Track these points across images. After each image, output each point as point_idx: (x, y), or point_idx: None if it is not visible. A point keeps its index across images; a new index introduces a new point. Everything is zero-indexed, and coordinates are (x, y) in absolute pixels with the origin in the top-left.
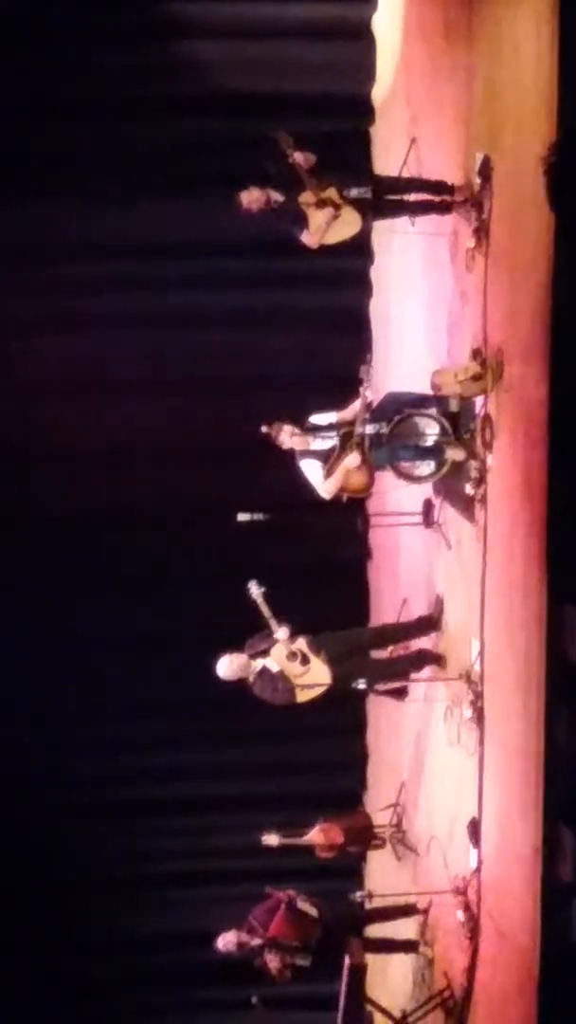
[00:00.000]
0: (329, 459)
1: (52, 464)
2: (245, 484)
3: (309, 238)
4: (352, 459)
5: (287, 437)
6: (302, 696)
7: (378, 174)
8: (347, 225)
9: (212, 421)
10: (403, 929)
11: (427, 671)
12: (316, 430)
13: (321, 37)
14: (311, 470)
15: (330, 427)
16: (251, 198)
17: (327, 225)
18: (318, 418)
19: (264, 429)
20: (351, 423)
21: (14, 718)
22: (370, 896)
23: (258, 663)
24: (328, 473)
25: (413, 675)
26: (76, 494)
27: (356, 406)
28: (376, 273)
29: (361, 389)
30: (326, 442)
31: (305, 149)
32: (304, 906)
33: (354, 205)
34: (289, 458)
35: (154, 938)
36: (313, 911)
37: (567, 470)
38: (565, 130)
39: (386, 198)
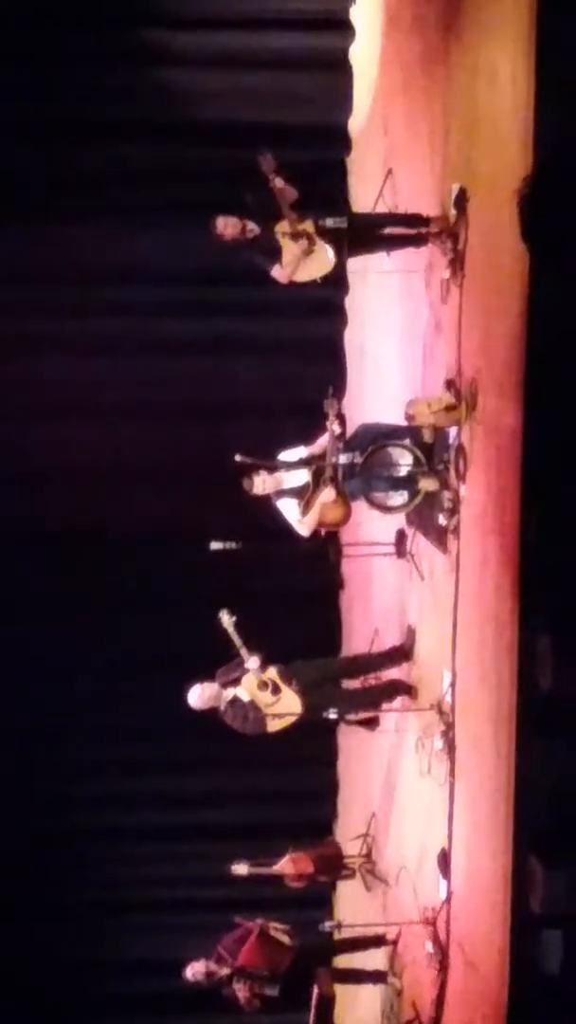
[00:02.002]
0: (304, 495)
1: (24, 486)
2: (217, 512)
3: (280, 272)
4: (327, 494)
5: (259, 484)
6: (273, 726)
7: (353, 211)
8: (319, 263)
9: (185, 448)
10: (372, 960)
11: (398, 701)
12: (287, 467)
13: (298, 67)
14: (288, 509)
15: (301, 462)
16: (226, 225)
17: (299, 259)
18: (287, 454)
19: (238, 458)
20: (321, 457)
21: None
22: (339, 926)
23: (229, 692)
24: (304, 510)
25: (384, 705)
26: (46, 515)
27: (324, 440)
28: (351, 303)
29: (327, 423)
30: (298, 478)
31: (285, 179)
32: (276, 934)
33: (329, 236)
34: (264, 498)
35: (121, 966)
36: (285, 939)
37: (540, 501)
38: (539, 163)
39: (361, 234)
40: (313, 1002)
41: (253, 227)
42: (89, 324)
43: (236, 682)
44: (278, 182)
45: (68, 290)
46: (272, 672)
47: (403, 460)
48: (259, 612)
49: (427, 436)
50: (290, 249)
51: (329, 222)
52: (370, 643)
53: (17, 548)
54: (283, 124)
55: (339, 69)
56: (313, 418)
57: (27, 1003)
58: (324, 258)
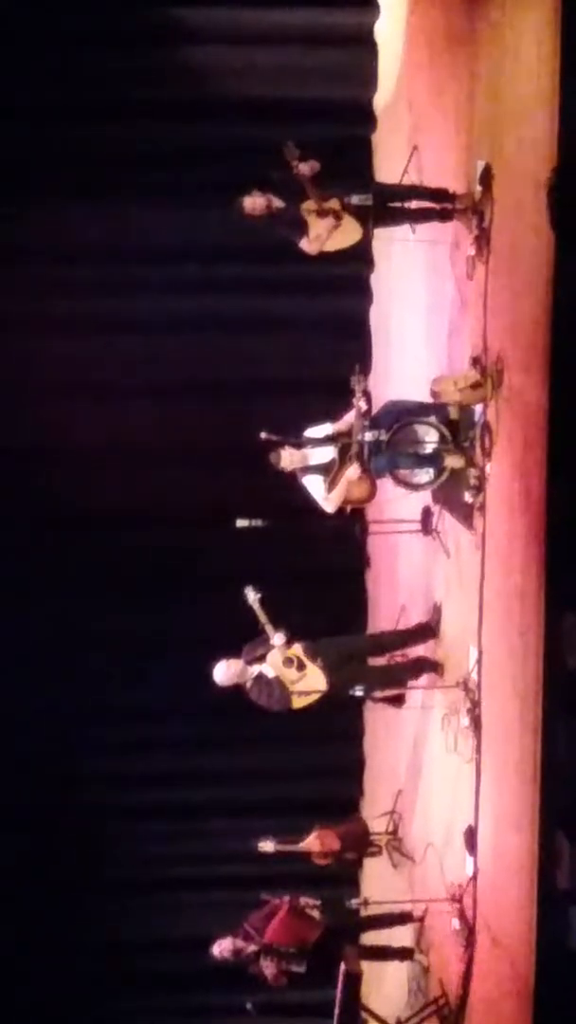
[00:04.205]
0: (330, 472)
1: (50, 466)
2: (244, 489)
3: (308, 245)
4: (353, 470)
5: (286, 458)
6: (298, 702)
7: (379, 181)
8: (347, 234)
9: (211, 426)
10: (399, 936)
11: (424, 679)
12: (313, 443)
13: (323, 43)
14: (313, 485)
15: (327, 439)
16: (253, 203)
17: (327, 234)
18: (313, 431)
19: (263, 436)
20: (347, 434)
21: (11, 719)
22: (366, 903)
23: (254, 669)
24: (330, 486)
25: (410, 682)
26: (75, 496)
27: (350, 417)
28: (376, 280)
29: (354, 400)
30: (324, 455)
31: (308, 156)
32: (307, 910)
33: (355, 213)
34: (289, 474)
35: (149, 943)
36: (316, 914)
37: (566, 478)
38: (566, 154)
39: (387, 205)
40: (340, 979)
41: (278, 203)
42: (111, 303)
43: (261, 659)
44: (302, 168)
45: (94, 269)
46: (297, 649)
47: (429, 437)
48: (285, 589)
49: (453, 413)
50: (317, 225)
51: (355, 199)
52: (396, 620)
53: (45, 527)
54: (308, 101)
55: (364, 45)
56: (339, 395)
57: (54, 981)
58: (352, 229)
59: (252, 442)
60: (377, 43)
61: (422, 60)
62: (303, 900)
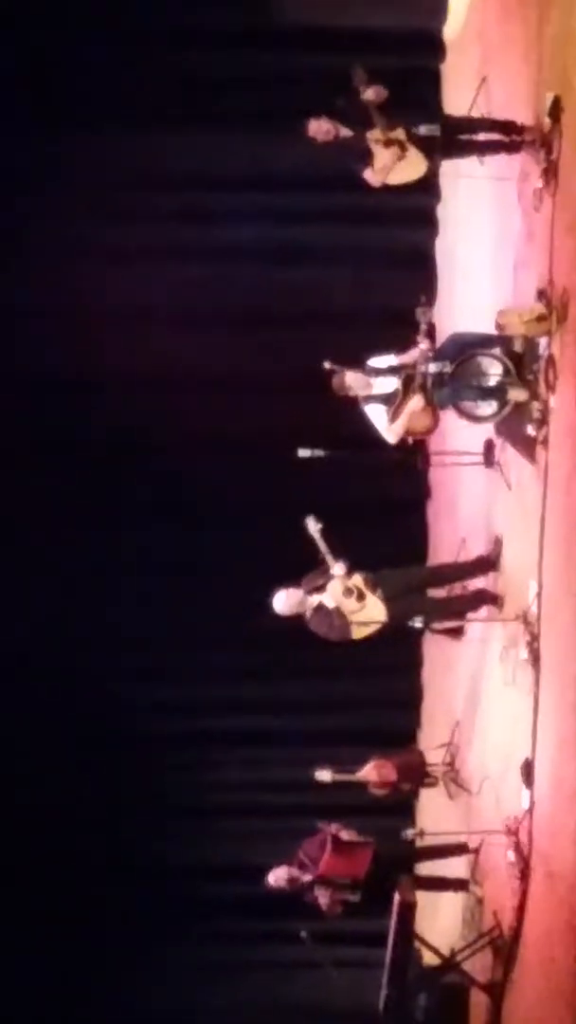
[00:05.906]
0: (393, 402)
1: (116, 393)
2: (306, 419)
3: (372, 176)
4: (416, 401)
5: (350, 383)
6: (357, 633)
7: (447, 113)
8: (412, 167)
9: (276, 356)
10: (454, 868)
11: (484, 611)
12: (377, 373)
13: None
14: (376, 414)
15: (390, 370)
16: (319, 127)
17: (392, 165)
18: (377, 361)
19: (327, 366)
20: (411, 365)
21: (72, 644)
22: (421, 834)
23: (314, 599)
24: (393, 417)
25: (470, 615)
26: (138, 422)
27: (415, 352)
28: (443, 211)
29: (419, 338)
30: (388, 385)
31: (377, 84)
32: (349, 837)
33: (422, 143)
34: (352, 401)
35: (205, 869)
36: (359, 840)
37: None
38: None
39: (455, 137)
40: (394, 909)
41: (345, 131)
42: (180, 232)
43: (321, 589)
44: (370, 93)
45: (161, 197)
46: (357, 579)
47: (493, 370)
48: (346, 520)
49: (517, 346)
50: (382, 156)
51: (423, 130)
52: (456, 552)
53: (105, 450)
54: (377, 30)
55: None
56: (404, 326)
57: (110, 907)
58: (417, 162)
59: (316, 372)
60: None
61: None
62: (344, 834)
